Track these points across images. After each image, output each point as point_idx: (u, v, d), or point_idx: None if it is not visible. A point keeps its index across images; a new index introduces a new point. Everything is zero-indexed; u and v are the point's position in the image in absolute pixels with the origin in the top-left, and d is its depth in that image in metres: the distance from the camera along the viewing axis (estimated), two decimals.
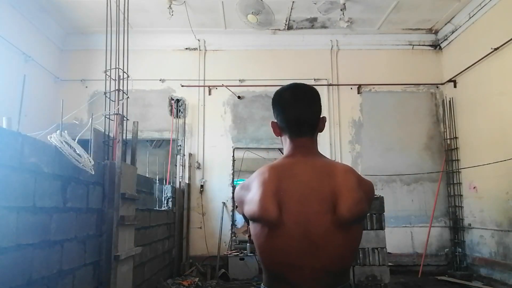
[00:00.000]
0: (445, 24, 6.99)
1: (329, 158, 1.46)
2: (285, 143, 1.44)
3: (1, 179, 1.91)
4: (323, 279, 1.26)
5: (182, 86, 7.25)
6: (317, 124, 1.43)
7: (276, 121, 1.45)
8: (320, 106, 1.44)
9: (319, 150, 1.44)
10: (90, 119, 3.10)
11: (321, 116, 1.44)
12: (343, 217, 1.24)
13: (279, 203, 1.27)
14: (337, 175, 1.31)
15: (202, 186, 7.01)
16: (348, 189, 1.28)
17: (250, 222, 1.37)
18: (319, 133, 1.46)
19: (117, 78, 3.64)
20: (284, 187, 1.30)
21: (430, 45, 7.47)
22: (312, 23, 7.00)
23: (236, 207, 7.15)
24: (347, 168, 1.37)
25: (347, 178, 1.31)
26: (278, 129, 1.45)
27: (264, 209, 1.27)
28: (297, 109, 1.39)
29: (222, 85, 7.19)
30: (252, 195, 1.33)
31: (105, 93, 3.58)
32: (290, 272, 1.27)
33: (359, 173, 1.43)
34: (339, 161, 6.79)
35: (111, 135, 3.46)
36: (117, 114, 3.45)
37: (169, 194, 6.09)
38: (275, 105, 1.45)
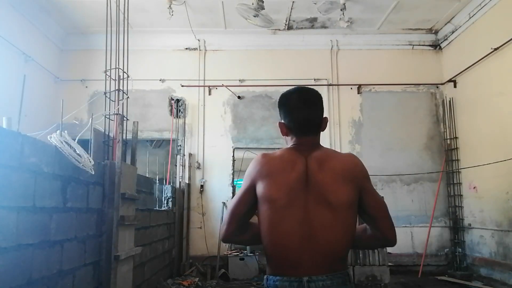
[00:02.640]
0: (445, 24, 6.99)
1: (325, 148, 1.57)
2: (290, 142, 1.58)
3: (1, 179, 1.91)
4: (320, 263, 1.39)
5: (182, 86, 7.25)
6: (321, 124, 1.57)
7: (283, 121, 1.58)
8: (323, 107, 1.59)
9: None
10: (90, 119, 3.10)
11: (323, 117, 1.59)
12: (332, 203, 1.40)
13: (289, 191, 1.43)
14: (328, 164, 1.47)
15: (202, 186, 7.01)
16: (334, 178, 1.43)
17: (260, 205, 1.49)
18: (321, 132, 1.60)
19: (117, 78, 3.64)
20: (294, 177, 1.45)
21: (430, 45, 7.47)
22: (312, 23, 7.00)
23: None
24: (338, 157, 1.52)
25: (335, 167, 1.46)
26: (285, 129, 1.58)
27: (275, 194, 1.44)
28: (305, 111, 1.53)
29: (222, 85, 7.19)
30: (270, 180, 1.47)
31: (105, 93, 3.58)
32: (291, 254, 1.41)
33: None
34: None
35: (111, 135, 3.46)
36: (117, 114, 3.45)
37: (169, 194, 6.09)
38: (282, 107, 1.59)
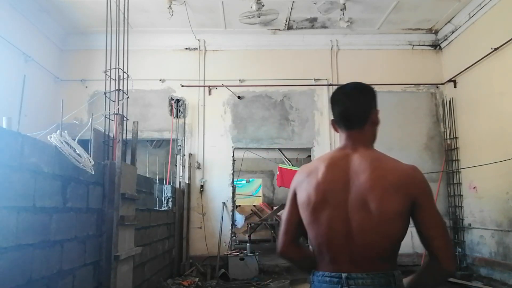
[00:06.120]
0: (445, 24, 6.99)
1: (381, 152, 1.53)
2: (339, 137, 1.60)
3: (1, 179, 1.91)
4: (359, 261, 1.38)
5: (182, 86, 7.25)
6: (366, 117, 1.53)
7: (333, 118, 1.61)
8: (369, 101, 1.55)
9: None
10: (90, 119, 3.10)
11: (373, 110, 1.54)
12: (372, 209, 1.36)
13: (324, 191, 1.45)
14: (376, 170, 1.41)
15: (202, 186, 7.01)
16: (381, 184, 1.38)
17: (300, 209, 1.52)
18: (375, 126, 1.56)
19: (117, 78, 3.64)
20: (331, 178, 1.46)
21: (430, 45, 7.47)
22: (312, 23, 7.00)
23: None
24: (395, 166, 1.44)
25: (384, 175, 1.40)
26: (334, 125, 1.60)
27: (311, 196, 1.46)
28: (344, 104, 1.54)
29: (222, 85, 7.19)
30: (306, 183, 1.51)
31: (105, 93, 3.59)
32: (329, 251, 1.44)
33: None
34: None
35: (111, 135, 3.47)
36: (117, 114, 3.45)
37: (169, 194, 6.09)
38: (330, 103, 1.61)
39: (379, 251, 1.38)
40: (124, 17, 3.96)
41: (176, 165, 6.98)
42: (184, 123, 7.19)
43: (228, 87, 7.19)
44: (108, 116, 3.50)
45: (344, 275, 1.38)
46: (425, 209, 1.39)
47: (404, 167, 1.44)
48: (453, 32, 6.91)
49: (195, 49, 7.39)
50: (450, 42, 7.09)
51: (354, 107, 1.52)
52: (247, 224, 11.15)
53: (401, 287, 1.40)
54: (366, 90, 1.57)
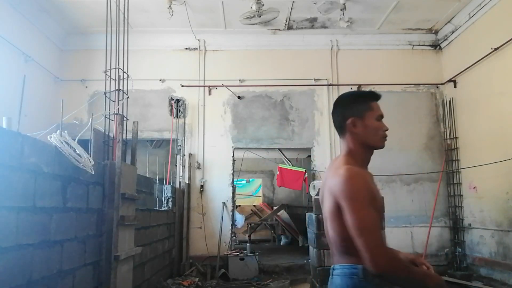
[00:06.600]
0: (445, 24, 6.99)
1: (341, 158, 1.66)
2: None
3: (1, 179, 1.91)
4: (336, 256, 1.62)
5: (182, 86, 7.25)
6: (342, 127, 1.66)
7: None
8: (343, 111, 1.67)
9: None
10: (90, 119, 3.11)
11: (347, 119, 1.63)
12: (324, 212, 1.63)
13: (322, 191, 1.71)
14: (328, 175, 1.64)
15: (202, 186, 7.01)
16: (325, 190, 1.61)
17: None
18: (353, 134, 1.64)
19: (117, 78, 3.65)
20: (324, 180, 1.71)
21: (430, 45, 7.47)
22: (312, 23, 7.00)
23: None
24: (335, 172, 1.57)
25: (327, 179, 1.62)
26: None
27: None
28: (332, 116, 1.75)
29: (222, 85, 7.19)
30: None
31: (105, 93, 3.59)
32: (330, 248, 1.70)
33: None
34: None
35: (111, 135, 3.47)
36: (117, 114, 3.45)
37: (169, 194, 6.10)
38: None
39: (339, 246, 1.56)
40: (124, 17, 3.96)
41: (176, 165, 6.98)
42: (184, 123, 7.19)
43: (228, 87, 7.19)
44: (108, 116, 3.51)
45: (332, 266, 1.64)
46: (343, 210, 1.47)
47: (336, 172, 1.54)
48: (453, 32, 6.91)
49: (195, 49, 7.39)
50: (450, 42, 7.09)
51: (334, 118, 1.72)
52: (247, 224, 11.16)
53: (371, 282, 1.47)
54: (341, 100, 1.73)
